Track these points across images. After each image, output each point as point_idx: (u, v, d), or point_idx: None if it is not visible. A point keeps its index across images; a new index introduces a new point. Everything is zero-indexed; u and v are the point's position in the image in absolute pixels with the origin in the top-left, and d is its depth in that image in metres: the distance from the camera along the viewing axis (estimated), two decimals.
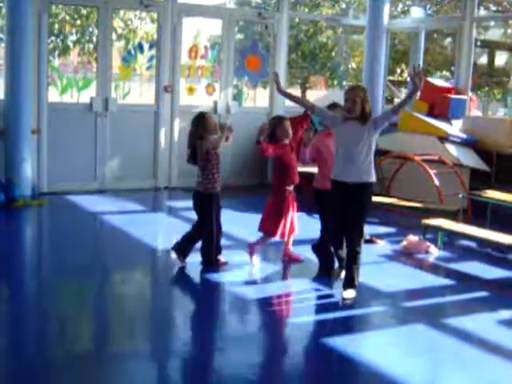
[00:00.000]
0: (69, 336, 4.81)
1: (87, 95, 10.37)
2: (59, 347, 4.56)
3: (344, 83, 20.13)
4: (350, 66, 20.70)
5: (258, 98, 12.65)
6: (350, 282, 5.68)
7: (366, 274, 6.01)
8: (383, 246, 7.57)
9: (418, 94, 10.08)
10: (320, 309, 5.60)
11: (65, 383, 4.01)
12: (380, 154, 9.51)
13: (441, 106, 10.54)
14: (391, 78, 18.41)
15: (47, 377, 4.13)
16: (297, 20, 18.72)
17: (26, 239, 8.18)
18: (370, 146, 5.66)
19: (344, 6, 22.02)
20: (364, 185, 5.66)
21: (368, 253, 6.52)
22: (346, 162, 5.66)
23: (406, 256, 7.27)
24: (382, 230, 8.46)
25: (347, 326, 5.26)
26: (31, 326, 5.04)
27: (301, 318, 4.98)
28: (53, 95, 10.17)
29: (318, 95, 24.13)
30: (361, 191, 5.65)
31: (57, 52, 15.26)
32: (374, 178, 5.73)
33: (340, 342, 4.74)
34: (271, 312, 5.50)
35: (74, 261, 6.74)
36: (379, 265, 6.80)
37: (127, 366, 4.21)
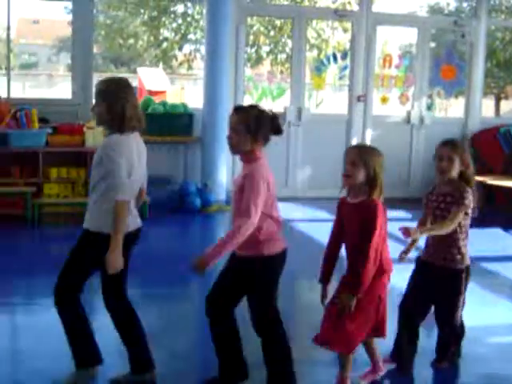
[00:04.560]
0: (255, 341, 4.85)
1: (281, 104, 10.56)
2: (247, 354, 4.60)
3: None
4: None
5: (450, 108, 12.32)
6: None
7: None
8: None
9: None
10: None
11: None
12: None
13: None
14: None
15: None
16: (492, 27, 18.03)
17: (214, 242, 8.42)
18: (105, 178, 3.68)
19: None
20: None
21: None
22: None
23: None
24: None
25: None
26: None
27: None
28: (247, 104, 10.42)
29: None
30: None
31: (249, 62, 15.68)
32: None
33: None
34: None
35: None
36: None
37: (312, 371, 4.19)
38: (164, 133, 9.44)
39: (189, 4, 16.68)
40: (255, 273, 3.74)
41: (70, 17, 10.24)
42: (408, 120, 11.00)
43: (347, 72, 10.84)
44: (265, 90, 10.51)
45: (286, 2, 16.01)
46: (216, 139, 9.42)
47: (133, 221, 3.87)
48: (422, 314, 4.32)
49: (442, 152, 4.17)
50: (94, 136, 8.85)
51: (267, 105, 10.61)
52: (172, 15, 17.97)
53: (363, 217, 3.74)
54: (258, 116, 3.66)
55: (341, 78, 11.06)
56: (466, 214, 4.13)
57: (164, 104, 9.86)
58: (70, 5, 10.27)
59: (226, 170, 9.63)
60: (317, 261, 7.03)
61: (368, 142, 10.76)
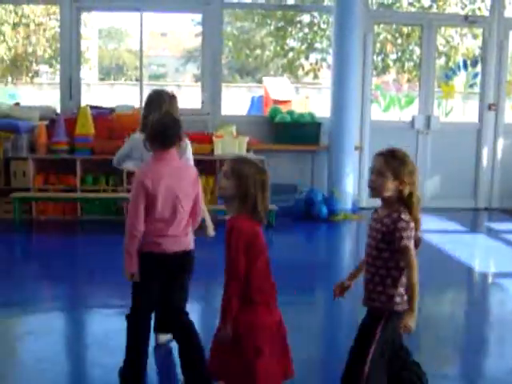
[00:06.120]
0: None
1: (409, 113, 10.43)
2: None
3: None
4: None
5: None
6: None
7: None
8: None
9: None
10: None
11: None
12: None
13: None
14: None
15: None
16: None
17: (340, 251, 8.39)
18: None
19: None
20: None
21: None
22: None
23: None
24: None
25: None
26: (340, 340, 5.09)
27: None
28: (375, 113, 10.37)
29: None
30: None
31: (375, 70, 15.56)
32: None
33: None
34: None
35: None
36: None
37: None
38: (291, 142, 9.53)
39: (315, 13, 16.73)
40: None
41: (196, 29, 10.50)
42: None
43: (478, 80, 10.58)
44: (392, 98, 10.41)
45: (413, 9, 15.83)
46: (343, 148, 9.41)
47: None
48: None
49: (373, 164, 3.37)
50: (223, 145, 9.04)
51: (395, 114, 10.53)
52: (298, 25, 18.09)
53: (225, 238, 3.26)
54: (153, 122, 3.86)
55: (471, 86, 10.79)
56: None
57: (291, 113, 9.93)
58: (196, 17, 10.52)
59: (352, 179, 9.59)
60: (445, 273, 6.96)
61: (499, 152, 10.45)
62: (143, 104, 4.67)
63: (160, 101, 4.49)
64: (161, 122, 3.86)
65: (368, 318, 3.44)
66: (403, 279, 3.34)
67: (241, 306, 3.22)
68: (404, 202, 3.31)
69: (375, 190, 3.35)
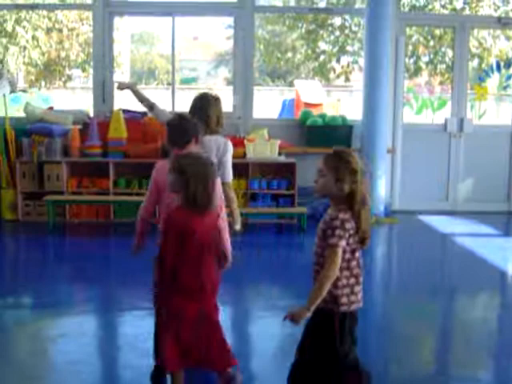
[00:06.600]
0: (410, 356, 4.76)
1: (442, 116, 10.35)
2: (400, 367, 4.52)
3: None
4: None
5: None
6: None
7: None
8: None
9: None
10: None
11: None
12: None
13: None
14: None
15: None
16: None
17: (371, 255, 8.32)
18: None
19: None
20: None
21: None
22: None
23: None
24: None
25: None
26: (373, 343, 5.07)
27: None
28: (407, 115, 10.31)
29: None
30: None
31: (407, 73, 15.45)
32: None
33: None
34: None
35: (421, 280, 6.74)
36: None
37: None
38: (323, 145, 9.48)
39: (346, 16, 16.68)
40: None
41: (227, 32, 10.50)
42: None
43: (511, 81, 10.47)
44: (425, 101, 10.34)
45: (445, 12, 15.72)
46: (375, 151, 9.36)
47: None
48: None
49: (318, 165, 3.33)
50: (255, 148, 9.06)
51: (427, 116, 10.45)
52: (330, 28, 18.04)
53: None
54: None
55: (504, 88, 10.68)
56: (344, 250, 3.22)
57: (323, 116, 9.91)
58: (228, 20, 10.51)
59: (384, 182, 9.53)
60: (477, 276, 6.90)
61: None
62: (189, 107, 4.76)
63: (204, 103, 4.64)
64: (170, 123, 4.15)
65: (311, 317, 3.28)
66: (349, 280, 3.27)
67: (169, 291, 3.50)
68: (347, 201, 3.24)
69: (318, 191, 3.33)
